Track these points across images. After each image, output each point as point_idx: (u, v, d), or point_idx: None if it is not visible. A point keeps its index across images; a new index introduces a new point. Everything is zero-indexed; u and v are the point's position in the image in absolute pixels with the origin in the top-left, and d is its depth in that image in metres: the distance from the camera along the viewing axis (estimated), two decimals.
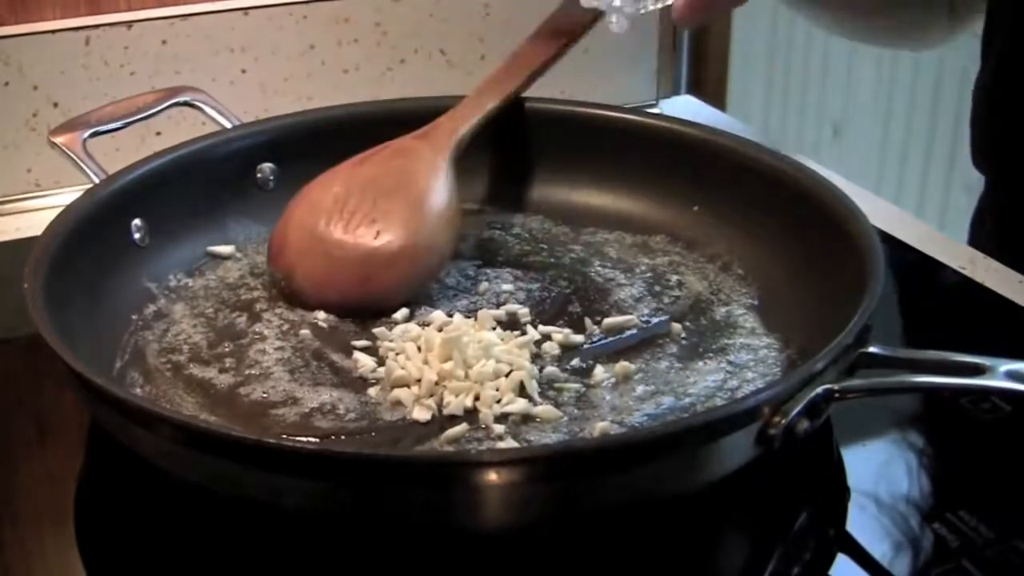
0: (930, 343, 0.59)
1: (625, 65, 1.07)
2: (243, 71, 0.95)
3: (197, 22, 0.93)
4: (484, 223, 0.83)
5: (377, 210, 0.73)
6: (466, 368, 0.64)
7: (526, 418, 0.62)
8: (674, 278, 0.76)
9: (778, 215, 0.75)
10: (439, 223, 0.74)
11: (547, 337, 0.69)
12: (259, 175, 0.80)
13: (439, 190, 0.75)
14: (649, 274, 0.77)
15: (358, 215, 0.72)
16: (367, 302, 0.71)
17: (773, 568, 0.58)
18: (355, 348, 0.69)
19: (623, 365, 0.67)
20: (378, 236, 0.72)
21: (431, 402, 0.63)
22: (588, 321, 0.71)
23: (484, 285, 0.75)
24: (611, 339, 0.70)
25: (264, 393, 0.65)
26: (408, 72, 0.99)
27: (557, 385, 0.65)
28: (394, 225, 0.72)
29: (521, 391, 0.64)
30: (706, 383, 0.66)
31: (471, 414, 0.63)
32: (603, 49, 1.05)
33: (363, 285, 0.72)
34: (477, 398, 0.63)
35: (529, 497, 0.53)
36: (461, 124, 0.78)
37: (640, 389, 0.65)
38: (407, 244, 0.72)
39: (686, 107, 1.10)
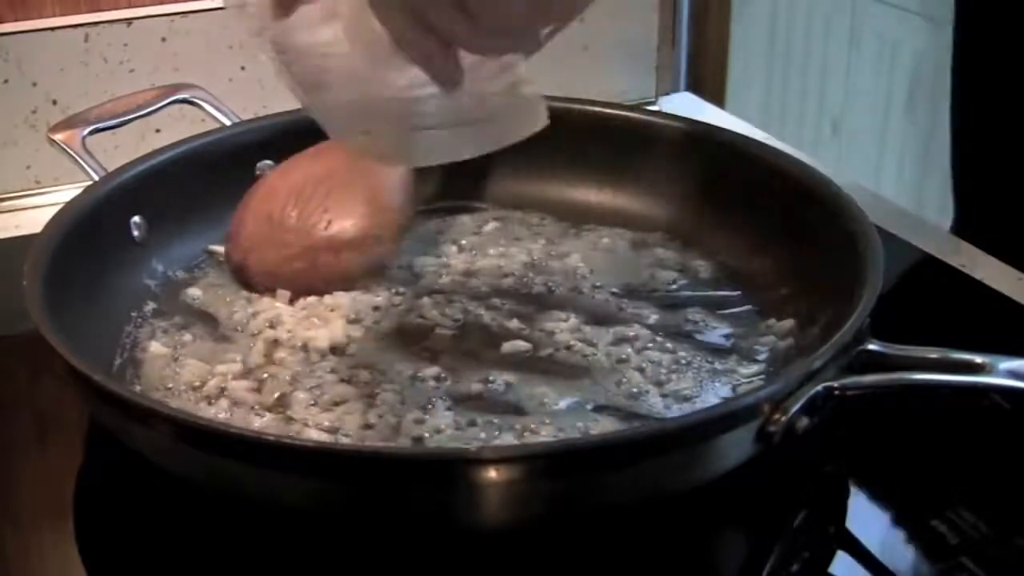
0: (929, 340, 0.60)
1: (624, 62, 1.07)
2: (242, 68, 0.95)
3: (196, 19, 0.93)
4: (484, 220, 0.83)
5: (331, 200, 0.74)
6: None
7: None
8: (672, 275, 0.76)
9: (777, 212, 0.75)
10: (389, 215, 0.76)
11: (550, 333, 0.70)
12: (258, 172, 0.80)
13: (392, 183, 0.76)
14: (647, 271, 0.77)
15: (312, 204, 0.74)
16: (315, 288, 0.73)
17: (773, 565, 0.58)
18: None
19: (619, 360, 0.67)
20: (329, 226, 0.74)
21: None
22: (587, 316, 0.71)
23: (477, 280, 0.76)
24: (609, 335, 0.70)
25: (265, 389, 0.65)
26: None
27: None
28: (345, 216, 0.74)
29: None
30: (705, 380, 0.66)
31: None
32: (602, 46, 1.05)
33: (311, 272, 0.73)
34: None
35: (529, 494, 0.53)
36: None
37: (638, 385, 0.65)
38: (356, 235, 0.74)
39: (685, 104, 1.10)
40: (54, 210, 0.69)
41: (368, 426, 0.62)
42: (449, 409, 0.63)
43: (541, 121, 0.59)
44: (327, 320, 0.71)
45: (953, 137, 1.01)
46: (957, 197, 1.02)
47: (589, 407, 0.64)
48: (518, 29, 0.54)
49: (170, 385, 0.66)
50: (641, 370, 0.67)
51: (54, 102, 0.92)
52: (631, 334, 0.70)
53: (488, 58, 0.56)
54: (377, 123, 0.59)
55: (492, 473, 0.51)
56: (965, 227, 0.98)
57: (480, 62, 0.56)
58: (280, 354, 0.68)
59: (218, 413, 0.63)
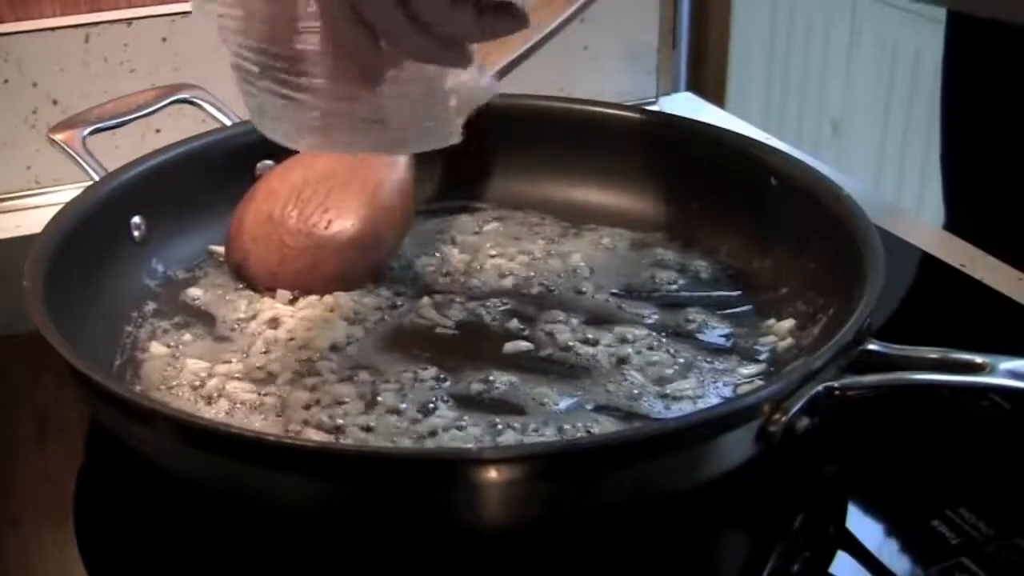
0: (930, 340, 0.60)
1: (624, 62, 1.07)
2: None
3: (197, 19, 0.93)
4: (484, 220, 0.83)
5: (331, 200, 0.75)
6: None
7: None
8: (672, 275, 0.76)
9: (777, 212, 0.75)
10: (389, 216, 0.76)
11: (550, 333, 0.70)
12: (258, 172, 0.80)
13: (393, 183, 0.76)
14: (647, 271, 0.77)
15: (312, 204, 0.74)
16: (315, 288, 0.73)
17: (773, 565, 0.58)
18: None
19: (619, 360, 0.67)
20: (329, 226, 0.74)
21: None
22: (588, 316, 0.71)
23: (477, 280, 0.76)
24: (609, 335, 0.70)
25: (265, 389, 0.65)
26: None
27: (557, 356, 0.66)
28: (345, 216, 0.74)
29: None
30: (705, 380, 0.66)
31: None
32: (603, 46, 1.05)
33: (311, 272, 0.73)
34: None
35: (529, 494, 0.53)
36: None
37: (638, 385, 0.65)
38: (356, 235, 0.74)
39: (685, 104, 1.10)
40: (54, 210, 0.69)
41: (368, 427, 0.62)
42: (449, 409, 0.63)
43: (454, 136, 0.59)
44: (327, 320, 0.71)
45: (943, 137, 1.01)
46: (947, 196, 1.02)
47: (589, 407, 0.64)
48: (452, 36, 0.54)
49: (170, 385, 0.66)
50: (641, 370, 0.67)
51: (54, 102, 0.92)
52: (631, 334, 0.70)
53: (413, 63, 0.56)
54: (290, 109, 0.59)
55: (493, 473, 0.51)
56: (955, 226, 0.98)
57: (406, 67, 0.56)
58: (280, 354, 0.68)
59: (218, 413, 0.63)
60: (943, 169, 1.02)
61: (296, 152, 0.77)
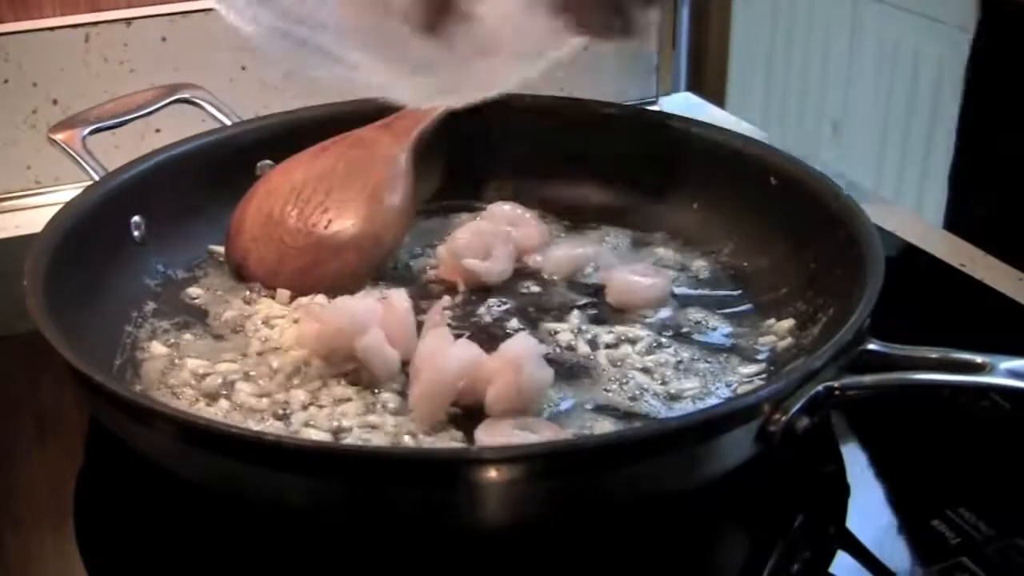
0: (930, 340, 0.60)
1: (625, 62, 1.07)
2: (243, 68, 0.95)
3: (197, 19, 0.93)
4: None
5: (331, 199, 0.75)
6: None
7: None
8: (672, 274, 0.76)
9: (777, 212, 0.75)
10: (390, 215, 0.76)
11: (550, 333, 0.70)
12: (259, 172, 0.80)
13: (393, 182, 0.76)
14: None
15: (312, 203, 0.74)
16: (316, 288, 0.73)
17: (774, 565, 0.58)
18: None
19: (620, 360, 0.67)
20: (328, 225, 0.74)
21: None
22: (588, 316, 0.71)
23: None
24: (609, 335, 0.70)
25: (265, 389, 0.65)
26: None
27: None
28: (345, 215, 0.74)
29: None
30: (705, 380, 0.66)
31: None
32: (603, 47, 1.05)
33: (311, 271, 0.73)
34: None
35: (529, 494, 0.53)
36: (424, 116, 0.78)
37: (638, 385, 0.65)
38: (355, 234, 0.74)
39: (686, 104, 1.10)
40: (54, 210, 0.69)
41: (368, 426, 0.62)
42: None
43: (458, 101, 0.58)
44: None
45: (958, 137, 1.01)
46: (951, 196, 1.02)
47: (589, 407, 0.64)
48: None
49: (170, 385, 0.66)
50: (641, 370, 0.67)
51: (54, 102, 0.92)
52: (631, 334, 0.70)
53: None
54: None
55: (492, 473, 0.51)
56: (955, 226, 0.98)
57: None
58: (280, 354, 0.68)
59: (218, 413, 0.63)
60: (952, 168, 1.02)
61: (296, 152, 0.77)
